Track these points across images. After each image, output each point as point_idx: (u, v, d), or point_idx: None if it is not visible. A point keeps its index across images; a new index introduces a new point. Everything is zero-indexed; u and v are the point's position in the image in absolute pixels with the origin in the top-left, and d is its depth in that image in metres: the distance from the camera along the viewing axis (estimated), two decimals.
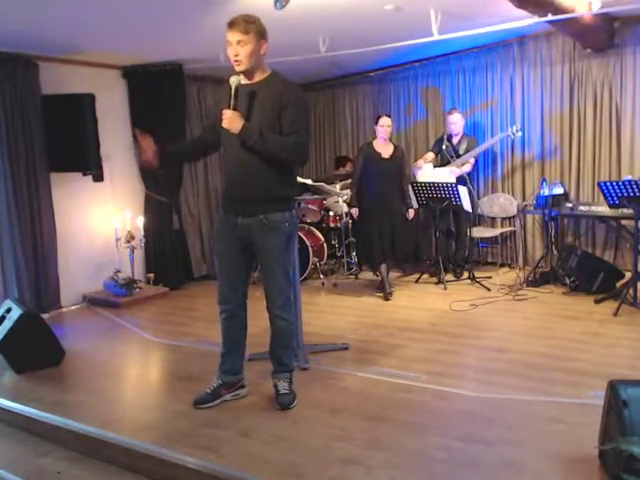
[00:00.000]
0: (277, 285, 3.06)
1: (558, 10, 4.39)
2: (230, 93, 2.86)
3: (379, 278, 5.53)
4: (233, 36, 2.83)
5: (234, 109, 2.85)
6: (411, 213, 5.50)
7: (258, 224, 2.96)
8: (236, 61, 2.87)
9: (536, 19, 4.55)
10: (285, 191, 3.01)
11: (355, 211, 5.48)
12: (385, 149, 5.35)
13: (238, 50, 2.84)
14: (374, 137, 5.51)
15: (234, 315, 3.15)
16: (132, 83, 5.81)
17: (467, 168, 5.93)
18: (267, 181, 2.93)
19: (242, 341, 3.25)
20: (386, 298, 5.30)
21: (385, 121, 5.32)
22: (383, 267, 5.40)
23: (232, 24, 2.83)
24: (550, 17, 4.42)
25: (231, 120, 2.83)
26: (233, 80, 2.87)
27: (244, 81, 2.93)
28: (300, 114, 2.92)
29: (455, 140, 5.98)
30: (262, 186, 2.94)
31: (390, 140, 5.48)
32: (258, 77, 2.95)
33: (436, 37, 4.74)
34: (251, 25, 2.83)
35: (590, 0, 4.45)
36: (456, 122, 5.99)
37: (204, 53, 5.48)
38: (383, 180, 5.26)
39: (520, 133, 5.94)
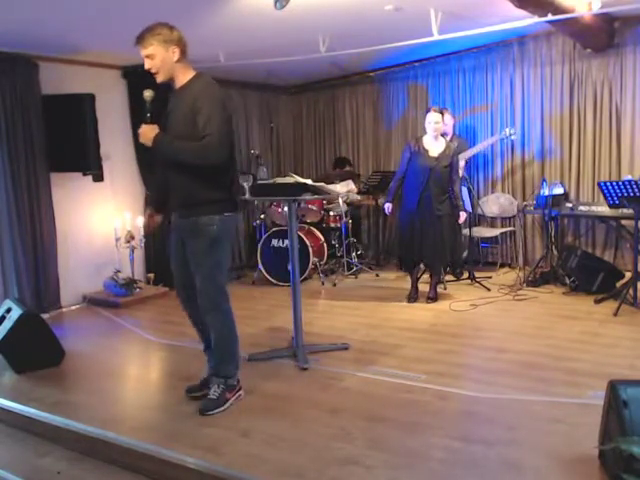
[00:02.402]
0: (201, 290, 3.02)
1: (558, 10, 4.39)
2: (145, 107, 2.93)
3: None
4: (141, 51, 2.90)
5: (150, 123, 2.90)
6: (462, 216, 5.03)
7: (188, 226, 3.00)
8: (153, 74, 2.92)
9: (536, 19, 4.55)
10: (212, 194, 2.95)
11: (388, 206, 5.21)
12: (435, 146, 4.95)
13: (150, 64, 2.89)
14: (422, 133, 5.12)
15: (193, 313, 3.21)
16: (132, 83, 5.81)
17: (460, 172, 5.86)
18: (192, 186, 2.94)
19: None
20: (409, 300, 5.18)
21: (433, 117, 4.87)
22: (415, 270, 5.24)
23: (137, 40, 2.88)
24: (550, 17, 4.42)
25: (143, 134, 2.90)
26: (147, 95, 2.94)
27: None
28: (212, 116, 2.83)
29: None
30: (188, 191, 2.96)
31: (443, 137, 5.11)
32: (180, 82, 2.96)
33: (436, 37, 4.73)
34: (155, 36, 2.85)
35: (590, 0, 4.45)
36: (446, 123, 5.95)
37: (204, 53, 5.47)
38: (428, 179, 4.86)
39: (515, 136, 5.92)
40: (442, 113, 5.00)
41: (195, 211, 2.96)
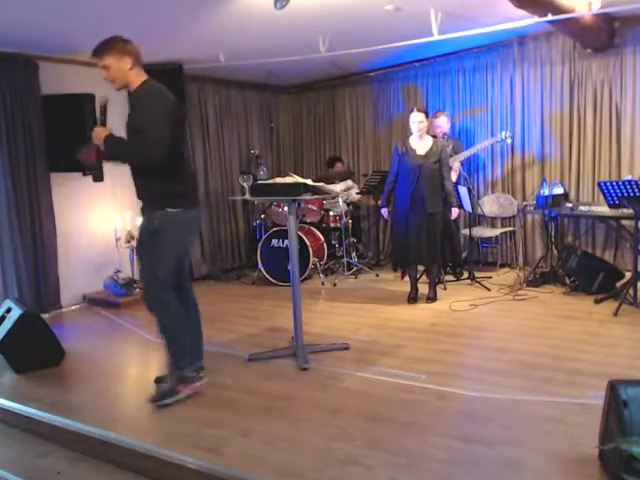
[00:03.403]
0: (144, 280, 3.27)
1: (558, 10, 4.39)
2: (99, 111, 3.20)
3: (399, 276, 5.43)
4: (97, 62, 3.11)
5: (102, 125, 3.16)
6: (454, 212, 5.05)
7: (142, 220, 3.29)
8: (110, 82, 3.14)
9: (536, 19, 4.55)
10: (156, 191, 3.15)
11: (385, 211, 5.24)
12: (421, 145, 4.99)
13: (106, 74, 3.12)
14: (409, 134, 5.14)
15: None
16: None
17: (453, 175, 5.73)
18: (142, 183, 3.22)
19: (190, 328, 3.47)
20: (409, 300, 5.17)
21: (415, 117, 4.93)
22: (413, 270, 5.22)
23: (93, 53, 3.09)
24: (550, 17, 4.42)
25: (95, 135, 3.14)
26: (101, 100, 3.21)
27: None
28: (144, 115, 3.04)
29: None
30: (140, 188, 3.25)
31: (430, 135, 5.13)
32: (133, 88, 3.17)
33: (436, 37, 4.73)
34: (108, 48, 3.07)
35: (590, 0, 4.45)
36: (442, 125, 5.95)
37: (204, 53, 5.48)
38: (418, 178, 4.89)
39: (510, 140, 5.92)
40: (426, 113, 5.02)
41: (145, 206, 3.25)
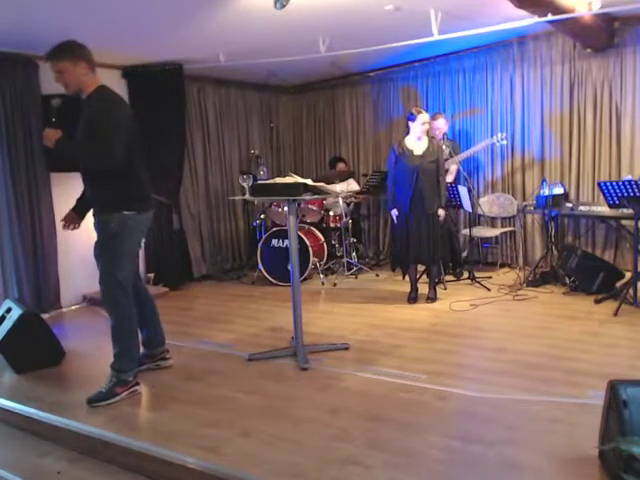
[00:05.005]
0: (101, 280, 3.32)
1: (558, 10, 4.40)
2: (51, 113, 3.25)
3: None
4: (51, 67, 3.15)
5: (56, 127, 3.20)
6: (441, 213, 4.98)
7: (96, 223, 3.33)
8: (63, 86, 3.20)
9: (536, 19, 4.56)
10: (112, 194, 3.21)
11: (395, 212, 5.13)
12: (418, 145, 4.99)
13: (59, 78, 3.17)
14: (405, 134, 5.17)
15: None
16: (132, 83, 5.81)
17: (450, 178, 5.79)
18: (96, 187, 3.27)
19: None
20: (409, 301, 5.16)
21: (425, 118, 4.93)
22: (413, 270, 5.21)
23: (48, 56, 3.11)
24: (550, 17, 4.42)
25: (46, 136, 3.19)
26: (54, 102, 3.27)
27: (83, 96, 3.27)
28: (105, 122, 3.09)
29: None
30: (93, 191, 3.30)
31: (429, 136, 5.14)
32: (87, 93, 3.23)
33: (436, 37, 4.74)
34: (62, 54, 3.11)
35: (590, 0, 4.45)
36: (440, 127, 5.95)
37: (204, 53, 5.48)
38: (417, 179, 4.91)
39: (505, 141, 5.92)
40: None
41: (99, 209, 3.29)
